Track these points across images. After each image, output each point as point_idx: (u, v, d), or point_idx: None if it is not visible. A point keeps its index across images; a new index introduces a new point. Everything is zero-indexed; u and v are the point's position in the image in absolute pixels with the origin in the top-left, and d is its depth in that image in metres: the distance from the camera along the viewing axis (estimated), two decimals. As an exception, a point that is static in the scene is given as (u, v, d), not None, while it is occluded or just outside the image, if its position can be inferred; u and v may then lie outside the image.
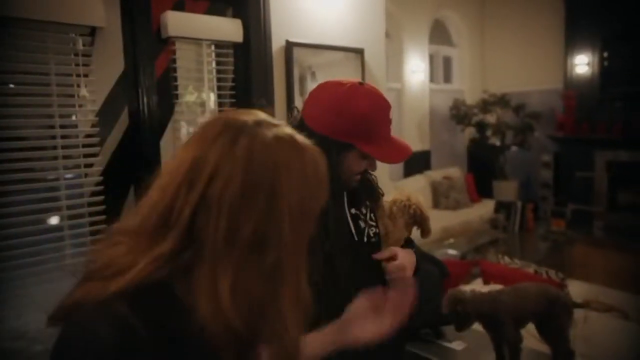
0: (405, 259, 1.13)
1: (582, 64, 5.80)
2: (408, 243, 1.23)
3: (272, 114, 0.66)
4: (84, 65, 1.76)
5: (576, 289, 2.86)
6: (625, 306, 2.75)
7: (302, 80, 2.39)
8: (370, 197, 1.19)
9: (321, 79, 2.45)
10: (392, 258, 1.13)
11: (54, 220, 1.78)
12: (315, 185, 0.61)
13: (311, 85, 2.42)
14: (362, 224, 1.14)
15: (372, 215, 1.18)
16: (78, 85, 1.78)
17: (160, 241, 0.55)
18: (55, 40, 1.70)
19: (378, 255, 1.13)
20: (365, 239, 1.14)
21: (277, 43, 2.27)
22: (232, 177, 0.55)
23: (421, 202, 1.24)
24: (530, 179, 6.36)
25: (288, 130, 0.62)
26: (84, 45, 1.76)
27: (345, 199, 1.13)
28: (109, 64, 1.84)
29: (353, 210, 1.14)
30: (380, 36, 2.75)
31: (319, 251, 1.03)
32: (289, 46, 2.30)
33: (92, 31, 1.78)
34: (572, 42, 5.88)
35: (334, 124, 1.00)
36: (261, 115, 0.62)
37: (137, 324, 0.52)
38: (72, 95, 1.78)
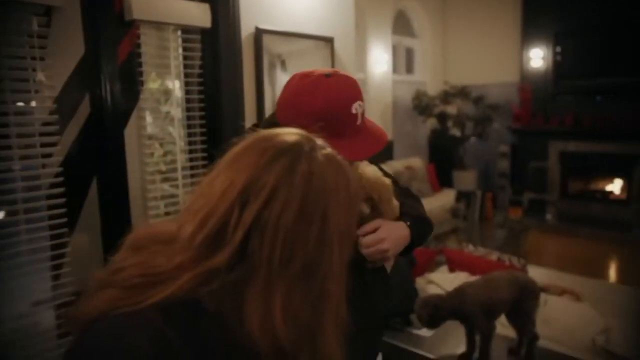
0: (385, 231, 1.07)
1: (537, 57, 6.02)
2: (414, 219, 1.17)
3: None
4: (39, 47, 1.63)
5: (532, 274, 2.97)
6: (578, 288, 2.89)
7: (272, 68, 2.33)
8: None
9: (291, 67, 2.41)
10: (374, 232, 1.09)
11: (6, 214, 1.65)
12: (355, 205, 0.65)
13: (280, 74, 2.37)
14: None
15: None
16: (34, 70, 1.65)
17: (210, 257, 0.56)
18: (6, 19, 1.56)
19: (360, 231, 1.08)
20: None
21: (246, 30, 2.20)
22: (290, 202, 0.56)
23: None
24: (488, 168, 6.58)
25: (332, 151, 0.64)
26: (39, 25, 1.62)
27: None
28: (68, 47, 1.71)
29: None
30: (349, 25, 2.73)
31: None
32: (259, 33, 2.24)
33: (48, 10, 1.65)
34: (527, 37, 6.09)
35: (294, 118, 0.97)
36: (308, 136, 0.63)
37: (173, 337, 0.53)
38: (27, 80, 1.65)
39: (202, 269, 0.55)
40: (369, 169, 1.13)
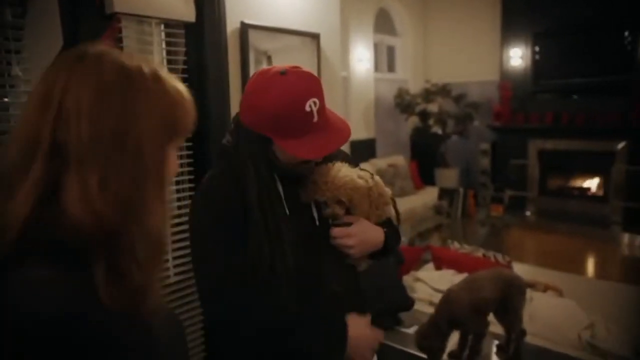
0: (356, 229, 1.09)
1: (516, 57, 6.11)
2: (386, 224, 1.20)
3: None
4: (14, 39, 1.55)
5: (515, 270, 3.01)
6: (559, 284, 2.94)
7: (258, 64, 2.28)
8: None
9: (277, 63, 2.36)
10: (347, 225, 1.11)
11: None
12: (175, 100, 0.65)
13: (267, 70, 2.32)
14: (326, 211, 1.11)
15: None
16: (9, 63, 1.56)
17: (28, 170, 0.58)
18: (-21, 10, 1.48)
19: (335, 225, 1.11)
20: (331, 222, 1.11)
21: (231, 25, 2.14)
22: (85, 84, 0.59)
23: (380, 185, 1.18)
24: (469, 166, 6.65)
25: (144, 57, 0.67)
26: (13, 16, 1.54)
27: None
28: (45, 40, 1.63)
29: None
30: (335, 22, 2.69)
31: (280, 236, 1.02)
32: (244, 28, 2.19)
33: (23, 0, 1.57)
34: (507, 36, 6.18)
35: (251, 118, 0.99)
36: (116, 48, 0.67)
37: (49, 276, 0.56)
38: (2, 74, 1.57)
39: (27, 183, 0.57)
40: (343, 171, 1.11)
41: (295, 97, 0.95)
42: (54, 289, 0.55)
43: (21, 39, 1.58)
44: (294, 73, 0.97)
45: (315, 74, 2.58)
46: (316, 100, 0.97)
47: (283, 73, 0.96)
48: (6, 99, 1.61)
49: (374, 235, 1.14)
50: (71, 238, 0.58)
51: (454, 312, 1.64)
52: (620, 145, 5.38)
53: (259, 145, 1.00)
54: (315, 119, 0.97)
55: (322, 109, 0.99)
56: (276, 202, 1.03)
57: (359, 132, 5.65)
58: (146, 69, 0.64)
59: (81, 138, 0.57)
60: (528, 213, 6.05)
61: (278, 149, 1.02)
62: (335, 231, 1.09)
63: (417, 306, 2.33)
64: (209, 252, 1.01)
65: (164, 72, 0.66)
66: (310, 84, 0.97)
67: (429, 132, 6.46)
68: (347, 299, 1.13)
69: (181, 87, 0.68)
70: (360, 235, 1.10)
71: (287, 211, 1.05)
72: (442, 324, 1.63)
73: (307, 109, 0.96)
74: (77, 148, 0.58)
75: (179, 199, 2.03)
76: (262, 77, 0.98)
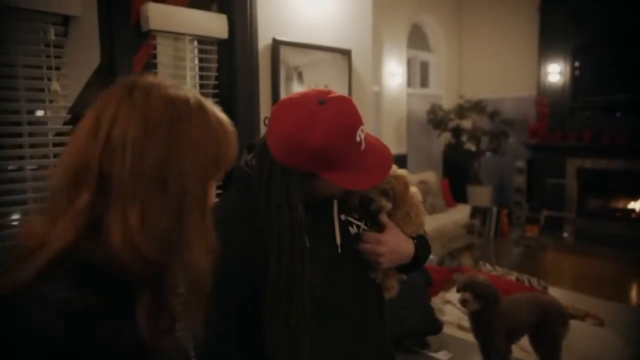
0: (389, 237, 1.04)
1: (555, 72, 5.95)
2: (417, 236, 1.14)
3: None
4: (55, 57, 1.61)
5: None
6: (599, 312, 2.78)
7: (289, 80, 2.30)
8: (363, 209, 1.09)
9: (308, 79, 2.38)
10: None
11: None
12: (218, 134, 0.66)
13: (297, 86, 2.33)
14: (354, 230, 1.06)
15: (368, 218, 1.10)
16: (49, 79, 1.62)
17: (76, 198, 0.58)
18: (24, 28, 1.55)
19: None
20: (356, 246, 1.05)
21: (263, 41, 2.17)
22: (132, 118, 0.59)
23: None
24: (503, 184, 6.47)
25: (191, 90, 0.68)
26: (56, 35, 1.61)
27: (335, 205, 1.04)
28: (84, 57, 1.69)
29: (343, 217, 1.05)
30: (367, 37, 2.69)
31: (303, 276, 0.94)
32: (276, 44, 2.21)
33: (65, 20, 1.63)
34: (545, 51, 6.03)
35: (289, 157, 0.89)
36: (165, 79, 0.68)
37: (73, 297, 0.55)
38: (42, 90, 1.63)
39: (72, 211, 0.58)
40: None
41: (346, 129, 0.88)
42: (66, 309, 0.55)
43: (62, 56, 1.64)
44: (334, 101, 0.89)
45: (346, 89, 2.60)
46: (363, 127, 0.92)
47: (322, 103, 0.88)
48: (45, 113, 1.67)
49: (405, 245, 1.08)
50: (109, 265, 0.58)
51: (490, 321, 1.60)
52: (666, 165, 5.12)
53: (297, 184, 0.92)
54: (363, 147, 0.92)
55: (365, 135, 0.94)
56: (304, 245, 0.96)
57: (391, 147, 5.45)
58: (193, 102, 0.64)
59: (124, 172, 0.58)
60: (565, 234, 5.82)
61: (321, 183, 0.93)
62: (367, 236, 1.04)
63: (446, 329, 2.26)
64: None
65: (208, 104, 0.67)
66: (355, 111, 0.91)
67: (462, 148, 6.34)
68: (368, 329, 1.09)
69: (225, 118, 0.68)
70: (391, 243, 1.04)
71: (308, 244, 0.97)
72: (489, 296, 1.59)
73: (357, 139, 0.90)
74: (120, 182, 0.58)
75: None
76: (300, 111, 0.88)
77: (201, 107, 0.65)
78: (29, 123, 1.59)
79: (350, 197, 1.06)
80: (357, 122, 0.90)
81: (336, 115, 0.87)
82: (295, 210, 0.92)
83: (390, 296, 1.15)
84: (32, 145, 1.60)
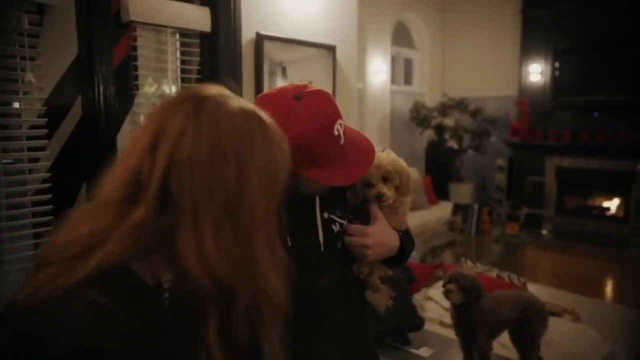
0: (375, 229, 1.02)
1: (536, 72, 6.04)
2: (401, 230, 1.13)
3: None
4: (30, 47, 1.56)
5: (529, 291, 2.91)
6: (575, 308, 2.83)
7: (272, 75, 2.27)
8: (343, 203, 1.08)
9: (291, 74, 2.35)
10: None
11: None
12: (279, 151, 0.64)
13: (281, 81, 2.30)
14: (337, 228, 1.04)
15: (351, 216, 1.08)
16: (23, 70, 1.57)
17: (132, 210, 0.55)
18: (-4, 16, 1.49)
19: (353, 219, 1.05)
20: (339, 244, 1.04)
21: (246, 35, 2.14)
22: (200, 138, 0.56)
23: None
24: (485, 182, 6.55)
25: (251, 105, 0.65)
26: (30, 24, 1.55)
27: (317, 203, 1.03)
28: (60, 48, 1.64)
29: (326, 214, 1.04)
30: (352, 34, 2.68)
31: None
32: (260, 39, 2.18)
33: (40, 8, 1.58)
34: (527, 51, 6.11)
35: None
36: (225, 89, 0.64)
37: (111, 306, 0.52)
38: (16, 80, 1.57)
39: (127, 224, 0.55)
40: (386, 155, 1.06)
41: (322, 124, 0.87)
42: (84, 321, 0.52)
43: (37, 46, 1.59)
44: (310, 95, 0.88)
45: (330, 85, 2.58)
46: (341, 121, 0.90)
47: (298, 98, 0.86)
48: (18, 105, 1.62)
49: (391, 238, 1.06)
50: (176, 285, 0.58)
51: (472, 317, 1.61)
52: (642, 165, 5.25)
53: None
54: (342, 141, 0.90)
55: (345, 129, 0.93)
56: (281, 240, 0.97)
57: (374, 144, 5.57)
58: (255, 118, 0.62)
59: (195, 192, 0.56)
60: (544, 232, 5.92)
61: (302, 179, 0.92)
62: (353, 228, 1.02)
63: (427, 326, 2.27)
64: None
65: (266, 118, 0.65)
66: (331, 106, 0.90)
67: (444, 146, 6.39)
68: (352, 326, 1.08)
69: (280, 132, 0.67)
70: (377, 236, 1.02)
71: (290, 242, 0.96)
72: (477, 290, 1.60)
73: (335, 132, 0.88)
74: (192, 201, 0.56)
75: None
76: (276, 106, 0.85)
77: (268, 135, 0.63)
78: (2, 115, 1.53)
79: (332, 194, 1.04)
80: (334, 116, 0.89)
81: (312, 110, 0.86)
82: (299, 194, 0.91)
83: (382, 309, 1.13)
84: (4, 138, 1.54)
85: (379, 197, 1.03)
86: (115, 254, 0.55)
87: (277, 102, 0.86)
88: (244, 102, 0.64)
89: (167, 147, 0.56)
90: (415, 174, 5.86)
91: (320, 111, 0.87)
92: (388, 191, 1.04)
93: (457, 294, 1.58)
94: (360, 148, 0.95)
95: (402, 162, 1.08)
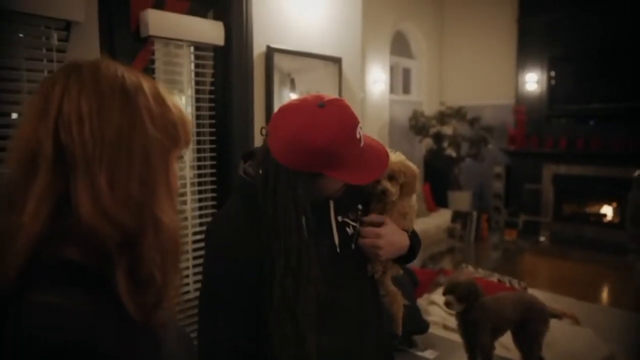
0: (386, 230, 1.09)
1: (532, 81, 6.14)
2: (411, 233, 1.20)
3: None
4: (58, 61, 1.63)
5: (530, 296, 2.97)
6: (574, 313, 2.90)
7: (282, 85, 2.35)
8: (360, 202, 1.15)
9: (299, 85, 2.43)
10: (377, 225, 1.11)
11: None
12: (171, 110, 0.65)
13: (289, 92, 2.39)
14: (350, 231, 1.11)
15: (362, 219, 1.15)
16: (51, 83, 1.64)
17: (33, 180, 0.56)
18: (27, 33, 1.57)
19: (366, 218, 1.12)
20: (353, 246, 1.10)
21: (258, 48, 2.22)
22: (84, 90, 0.58)
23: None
24: (483, 189, 6.63)
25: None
26: (59, 40, 1.63)
27: (332, 207, 1.09)
28: (84, 62, 1.71)
29: (340, 218, 1.10)
30: (356, 47, 2.77)
31: (302, 262, 0.97)
32: (270, 52, 2.26)
33: (68, 25, 1.65)
34: (523, 60, 6.22)
35: (293, 159, 0.93)
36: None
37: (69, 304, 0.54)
38: (44, 94, 1.64)
39: (34, 199, 0.55)
40: (393, 155, 1.13)
41: (347, 128, 0.94)
42: (62, 317, 0.53)
43: (64, 61, 1.66)
44: (331, 103, 0.94)
45: (337, 96, 2.65)
46: (361, 125, 0.98)
47: (322, 106, 0.93)
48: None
49: (401, 238, 1.13)
50: (87, 256, 0.57)
51: (477, 317, 1.66)
52: (638, 172, 5.34)
53: (303, 186, 0.95)
54: (362, 143, 0.98)
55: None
56: (310, 245, 0.99)
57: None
58: (142, 79, 0.64)
59: (85, 140, 0.56)
60: (542, 238, 6.00)
61: (326, 182, 0.98)
62: (366, 230, 1.09)
63: (432, 329, 2.32)
64: (216, 325, 1.00)
65: (161, 87, 0.67)
66: (352, 112, 0.98)
67: (442, 154, 6.48)
68: (367, 325, 1.13)
69: (177, 101, 0.69)
70: (389, 236, 1.09)
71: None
72: (476, 295, 1.64)
73: (357, 136, 0.96)
74: (83, 150, 0.56)
75: (201, 224, 2.07)
76: (297, 118, 0.92)
77: (153, 83, 0.65)
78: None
79: (344, 198, 1.10)
80: (355, 120, 0.97)
81: (336, 115, 0.93)
82: (302, 212, 0.96)
83: (399, 314, 1.22)
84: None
85: (384, 193, 1.12)
86: (36, 234, 0.55)
87: (303, 110, 0.93)
88: (136, 71, 0.66)
89: (54, 107, 0.57)
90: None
91: (344, 116, 0.95)
92: (392, 188, 1.12)
93: (456, 304, 1.64)
94: (376, 150, 1.03)
95: (408, 163, 1.17)
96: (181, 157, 0.74)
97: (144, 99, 0.62)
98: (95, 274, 0.57)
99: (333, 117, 0.92)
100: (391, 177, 1.12)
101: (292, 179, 0.94)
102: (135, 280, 0.58)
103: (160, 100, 0.64)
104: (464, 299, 1.62)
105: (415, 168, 1.18)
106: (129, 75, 0.63)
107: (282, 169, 0.94)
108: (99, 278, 0.57)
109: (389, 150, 1.11)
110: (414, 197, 1.23)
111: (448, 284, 1.66)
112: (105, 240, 0.56)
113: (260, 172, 0.99)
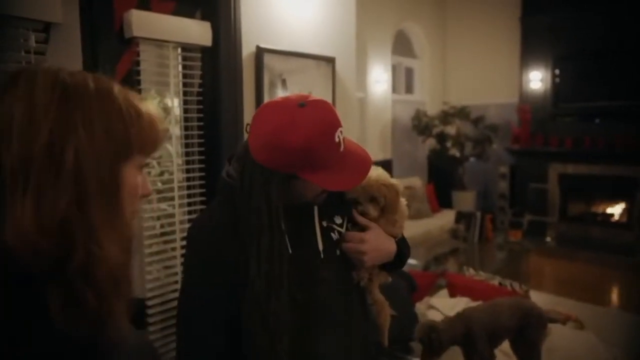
0: (371, 235, 1.07)
1: (536, 80, 6.06)
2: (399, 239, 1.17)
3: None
4: (36, 64, 1.60)
5: (533, 299, 2.92)
6: (579, 316, 2.82)
7: (273, 87, 2.31)
8: (342, 211, 1.12)
9: (291, 86, 2.39)
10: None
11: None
12: (129, 115, 0.61)
13: (281, 93, 2.34)
14: (336, 236, 1.08)
15: (349, 224, 1.12)
16: (29, 86, 1.61)
17: None
18: (4, 34, 1.54)
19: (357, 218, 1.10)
20: (338, 252, 1.08)
21: (247, 48, 2.18)
22: (15, 103, 0.55)
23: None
24: (487, 189, 6.55)
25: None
26: (37, 42, 1.59)
27: (316, 212, 1.06)
28: (65, 64, 1.66)
29: (325, 223, 1.07)
30: (351, 45, 2.72)
31: (282, 283, 0.95)
32: (260, 52, 2.22)
33: (47, 27, 1.62)
34: (526, 59, 6.14)
35: (270, 158, 0.91)
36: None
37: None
38: (22, 97, 1.61)
39: None
40: (374, 172, 1.10)
41: (325, 129, 0.91)
42: None
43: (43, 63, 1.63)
44: (313, 104, 0.91)
45: (330, 96, 2.62)
46: (342, 129, 0.94)
47: (302, 105, 0.90)
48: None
49: (387, 243, 1.11)
50: (15, 263, 0.55)
51: (472, 330, 1.62)
52: (645, 170, 5.25)
53: (278, 186, 0.93)
54: (342, 148, 0.94)
55: (344, 137, 0.97)
56: (283, 247, 0.97)
57: (376, 153, 5.64)
58: (92, 87, 0.60)
59: (13, 159, 0.54)
60: (548, 239, 5.90)
61: (302, 185, 0.96)
62: (350, 235, 1.07)
63: (430, 335, 2.26)
64: (194, 335, 0.99)
65: (116, 89, 0.63)
66: (333, 113, 0.94)
67: (446, 154, 6.40)
68: (354, 333, 1.10)
69: (138, 103, 0.64)
70: (373, 242, 1.07)
71: (290, 250, 0.99)
72: (447, 333, 1.62)
73: (336, 139, 0.92)
74: (11, 170, 0.54)
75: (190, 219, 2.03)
76: (276, 117, 0.89)
77: (103, 90, 0.61)
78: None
79: (330, 203, 1.07)
80: (335, 123, 0.93)
81: (316, 116, 0.90)
82: (274, 212, 0.93)
83: (385, 324, 1.19)
84: (11, 153, 1.58)
85: (363, 215, 1.11)
86: None
87: (282, 108, 0.91)
88: (88, 74, 0.62)
89: None
90: (417, 182, 5.88)
91: (323, 118, 0.91)
92: (373, 211, 1.11)
93: (447, 344, 1.62)
94: (357, 157, 0.99)
95: (390, 181, 1.14)
96: (146, 165, 0.69)
97: (83, 110, 0.58)
98: (30, 279, 0.56)
99: (312, 118, 0.89)
100: (372, 199, 1.10)
101: (265, 177, 0.93)
102: (67, 298, 0.55)
103: (108, 107, 0.60)
104: (449, 340, 1.62)
105: (397, 184, 1.15)
106: (71, 82, 0.59)
107: (257, 167, 0.93)
108: (34, 283, 0.56)
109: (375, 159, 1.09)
110: (404, 203, 1.19)
111: (418, 334, 1.66)
112: (28, 265, 0.54)
113: (238, 169, 0.98)
